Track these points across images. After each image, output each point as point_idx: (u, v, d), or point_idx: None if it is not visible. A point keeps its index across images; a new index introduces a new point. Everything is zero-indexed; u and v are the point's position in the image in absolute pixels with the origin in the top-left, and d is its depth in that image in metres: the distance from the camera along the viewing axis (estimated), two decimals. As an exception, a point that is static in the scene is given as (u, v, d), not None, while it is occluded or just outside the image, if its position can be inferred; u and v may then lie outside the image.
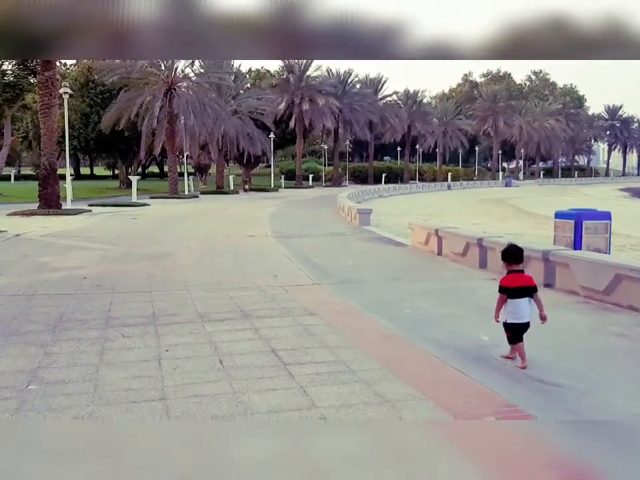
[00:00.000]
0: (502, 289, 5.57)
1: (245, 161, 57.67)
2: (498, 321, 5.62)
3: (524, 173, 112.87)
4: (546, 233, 22.44)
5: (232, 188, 56.32)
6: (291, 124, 64.85)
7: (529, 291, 5.50)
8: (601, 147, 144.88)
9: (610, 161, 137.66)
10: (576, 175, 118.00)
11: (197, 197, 44.59)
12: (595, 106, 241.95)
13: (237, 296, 8.65)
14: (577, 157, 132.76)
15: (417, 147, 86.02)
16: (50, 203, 25.14)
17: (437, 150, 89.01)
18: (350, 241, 16.16)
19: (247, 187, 55.93)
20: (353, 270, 11.25)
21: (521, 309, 5.45)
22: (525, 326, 5.47)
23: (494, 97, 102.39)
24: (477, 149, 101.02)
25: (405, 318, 7.42)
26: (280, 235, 17.38)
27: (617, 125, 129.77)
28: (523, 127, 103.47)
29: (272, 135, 57.63)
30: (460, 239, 11.91)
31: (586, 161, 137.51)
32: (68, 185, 28.47)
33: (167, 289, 9.26)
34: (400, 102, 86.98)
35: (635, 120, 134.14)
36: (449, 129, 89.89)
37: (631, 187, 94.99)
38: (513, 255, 5.65)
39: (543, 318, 5.49)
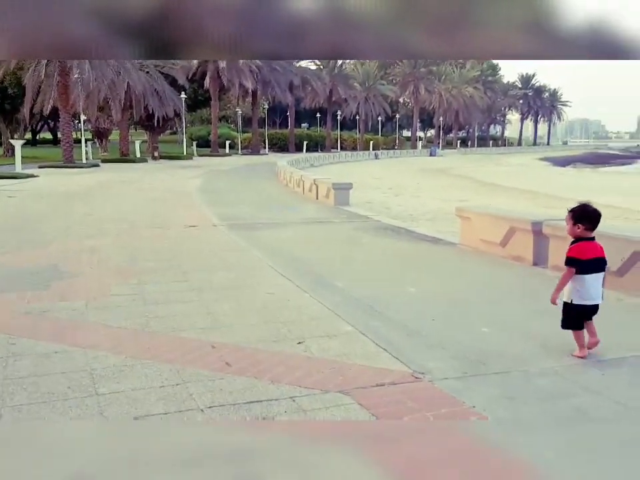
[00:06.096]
0: (572, 261, 4.11)
1: (152, 125, 50.11)
2: (556, 303, 4.19)
3: (439, 142, 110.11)
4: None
5: (139, 156, 48.78)
6: (206, 83, 57.37)
7: (603, 264, 4.17)
8: (513, 117, 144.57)
9: (522, 130, 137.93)
10: (491, 145, 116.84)
11: (98, 165, 37.14)
12: (509, 75, 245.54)
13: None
14: (491, 127, 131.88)
15: (338, 113, 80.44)
16: None
17: (357, 117, 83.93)
18: (355, 236, 10.39)
19: (156, 154, 48.50)
20: (445, 315, 5.65)
21: (593, 288, 4.13)
22: (595, 309, 4.19)
23: (414, 61, 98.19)
24: (397, 116, 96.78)
25: None
26: (234, 223, 11.51)
27: (530, 94, 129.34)
28: (443, 95, 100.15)
29: (183, 96, 50.26)
30: (608, 242, 6.48)
31: (500, 131, 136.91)
32: None
33: (34, 409, 3.37)
34: (320, 65, 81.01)
35: (546, 89, 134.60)
36: (371, 95, 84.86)
37: (548, 156, 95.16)
38: (594, 217, 4.13)
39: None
